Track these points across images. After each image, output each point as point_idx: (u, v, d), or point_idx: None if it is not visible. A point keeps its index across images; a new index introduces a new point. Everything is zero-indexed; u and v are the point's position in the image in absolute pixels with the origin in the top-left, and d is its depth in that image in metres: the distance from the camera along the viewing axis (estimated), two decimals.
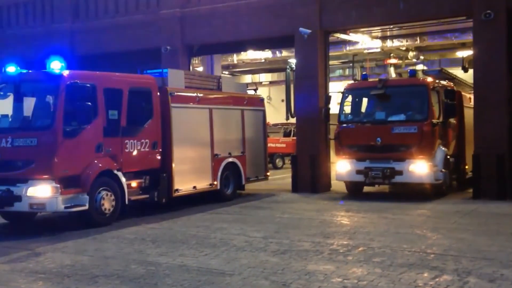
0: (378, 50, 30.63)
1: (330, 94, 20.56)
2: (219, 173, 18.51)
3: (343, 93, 20.09)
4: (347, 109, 19.86)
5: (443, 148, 18.76)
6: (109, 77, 15.59)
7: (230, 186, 19.27)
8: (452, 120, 19.65)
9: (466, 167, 20.72)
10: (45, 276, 9.85)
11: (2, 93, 14.57)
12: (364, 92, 19.73)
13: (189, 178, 17.31)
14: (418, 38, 29.19)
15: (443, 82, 20.20)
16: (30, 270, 10.32)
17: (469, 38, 25.85)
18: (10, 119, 14.60)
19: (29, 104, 14.42)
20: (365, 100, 20.16)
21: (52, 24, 27.76)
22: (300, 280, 9.22)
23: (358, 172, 18.76)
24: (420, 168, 17.97)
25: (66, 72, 14.11)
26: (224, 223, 14.62)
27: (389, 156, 18.34)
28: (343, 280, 9.19)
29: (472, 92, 21.84)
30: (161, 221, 15.14)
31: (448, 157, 19.08)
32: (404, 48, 31.29)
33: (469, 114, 20.52)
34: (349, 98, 19.88)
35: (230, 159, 19.04)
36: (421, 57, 33.23)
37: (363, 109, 20.11)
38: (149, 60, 24.71)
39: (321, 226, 14.05)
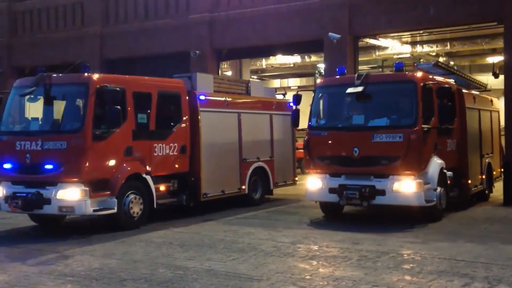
0: (408, 55, 30.55)
1: (299, 92, 17.41)
2: (247, 178, 18.46)
3: (314, 91, 16.44)
4: (322, 111, 16.45)
5: (438, 160, 15.24)
6: (138, 81, 15.62)
7: (258, 191, 19.20)
8: (451, 125, 16.11)
9: (469, 181, 17.25)
10: (74, 279, 9.89)
11: (32, 96, 14.66)
12: (341, 91, 15.61)
13: (217, 182, 17.28)
14: (448, 44, 29.14)
15: (439, 79, 16.43)
16: (59, 273, 10.36)
17: (499, 43, 25.71)
18: (40, 122, 14.70)
19: (59, 107, 14.55)
20: (341, 101, 16.32)
21: (83, 28, 28.03)
22: (328, 286, 9.16)
23: (331, 190, 15.16)
24: (407, 186, 14.41)
25: (95, 76, 14.20)
26: (252, 228, 14.58)
27: (369, 171, 14.82)
28: (372, 286, 9.12)
29: (479, 90, 20.65)
30: (189, 225, 15.15)
31: (445, 171, 15.57)
32: (434, 54, 31.19)
33: (472, 117, 17.84)
34: (323, 98, 16.37)
35: (258, 164, 18.97)
36: (451, 63, 33.07)
37: (339, 112, 16.48)
38: (178, 64, 24.80)
39: (349, 232, 13.95)
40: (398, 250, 11.65)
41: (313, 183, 15.70)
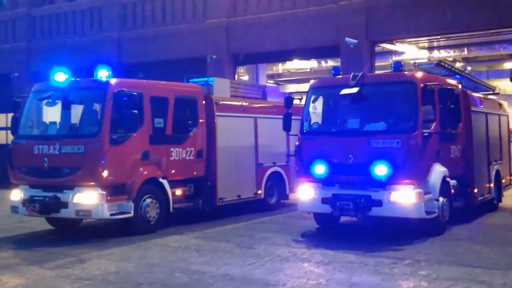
0: (425, 60, 30.39)
1: (291, 95, 16.17)
2: (264, 183, 18.44)
3: (307, 93, 15.26)
4: (315, 115, 15.13)
5: (440, 168, 13.91)
6: (156, 86, 15.70)
7: (274, 196, 19.15)
8: (455, 130, 14.70)
9: (476, 190, 15.90)
10: (90, 283, 9.93)
11: (50, 100, 14.73)
12: (335, 92, 14.37)
13: (233, 187, 17.29)
14: (465, 49, 28.94)
15: (443, 79, 15.14)
16: (76, 276, 10.41)
17: None
18: (58, 126, 14.78)
19: (76, 111, 14.62)
20: (335, 103, 15.15)
21: (100, 33, 28.14)
22: None
23: (325, 200, 13.91)
24: (405, 197, 13.11)
25: (113, 81, 14.26)
26: (268, 233, 14.57)
27: (365, 179, 13.43)
28: None
29: (487, 93, 19.71)
30: (205, 230, 15.16)
31: (448, 179, 14.25)
32: (451, 59, 31.00)
33: (479, 121, 16.55)
34: (316, 100, 15.11)
35: (275, 169, 18.95)
36: (469, 68, 32.90)
37: (333, 115, 15.19)
38: (195, 68, 24.84)
39: (366, 237, 13.91)
40: (415, 257, 11.58)
41: (305, 192, 14.50)
